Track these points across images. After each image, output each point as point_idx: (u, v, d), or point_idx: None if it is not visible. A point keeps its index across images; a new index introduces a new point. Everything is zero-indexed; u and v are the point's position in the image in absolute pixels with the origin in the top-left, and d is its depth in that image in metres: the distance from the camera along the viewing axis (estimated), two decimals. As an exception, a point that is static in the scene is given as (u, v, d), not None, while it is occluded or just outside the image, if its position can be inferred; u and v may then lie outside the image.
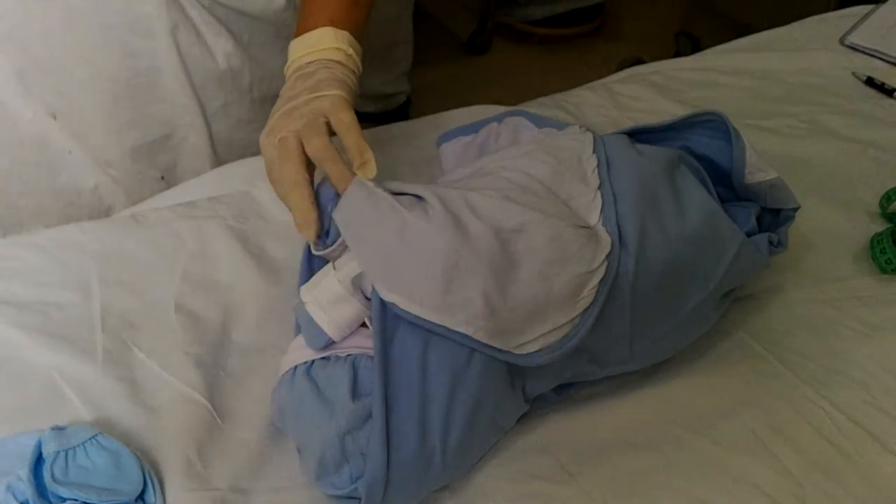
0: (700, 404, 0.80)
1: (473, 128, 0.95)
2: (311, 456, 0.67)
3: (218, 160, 1.07)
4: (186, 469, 0.70)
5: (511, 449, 0.75)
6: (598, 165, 0.76)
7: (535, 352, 0.68)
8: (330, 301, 0.69)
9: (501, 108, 1.03)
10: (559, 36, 2.87)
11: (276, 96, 0.83)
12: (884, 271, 0.94)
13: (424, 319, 0.65)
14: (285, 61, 0.86)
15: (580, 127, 0.84)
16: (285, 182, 0.75)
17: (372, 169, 0.74)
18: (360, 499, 0.66)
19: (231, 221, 0.92)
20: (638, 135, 0.86)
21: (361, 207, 0.70)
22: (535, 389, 0.74)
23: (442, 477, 0.69)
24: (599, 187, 0.74)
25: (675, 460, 0.75)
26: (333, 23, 0.84)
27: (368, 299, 0.69)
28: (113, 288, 0.84)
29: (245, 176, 0.98)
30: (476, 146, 0.93)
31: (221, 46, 0.98)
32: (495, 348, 0.66)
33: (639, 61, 1.40)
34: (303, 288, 0.72)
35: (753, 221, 0.82)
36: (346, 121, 0.76)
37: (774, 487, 0.73)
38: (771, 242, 0.82)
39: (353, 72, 0.84)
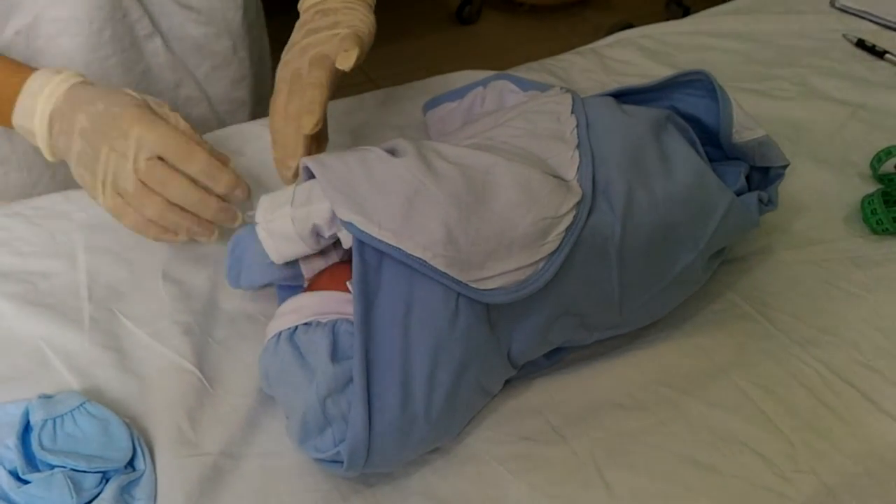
0: (690, 366, 0.79)
1: (459, 93, 0.95)
2: (294, 420, 0.67)
3: (221, 121, 1.09)
4: (177, 436, 0.70)
5: (501, 411, 0.74)
6: (578, 126, 0.75)
7: (495, 289, 0.67)
8: (280, 234, 0.70)
9: (488, 73, 1.01)
10: (549, 5, 2.85)
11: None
12: (874, 232, 0.94)
13: (381, 241, 0.64)
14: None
15: (560, 88, 0.84)
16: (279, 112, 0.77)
17: (351, 59, 0.77)
18: (343, 462, 0.65)
19: (217, 189, 0.91)
20: (623, 96, 0.85)
21: (335, 151, 0.71)
22: (521, 354, 0.73)
23: (427, 441, 0.69)
24: (578, 146, 0.74)
25: (665, 421, 0.75)
26: None
27: (320, 237, 0.70)
28: (99, 256, 0.83)
29: (229, 144, 0.97)
30: (461, 111, 0.93)
31: (191, 27, 1.00)
32: (452, 278, 0.65)
33: (629, 26, 1.38)
34: (261, 203, 0.71)
35: (743, 180, 0.82)
36: (350, 50, 0.78)
37: (765, 447, 0.73)
38: (761, 201, 0.81)
39: (370, 5, 0.86)
